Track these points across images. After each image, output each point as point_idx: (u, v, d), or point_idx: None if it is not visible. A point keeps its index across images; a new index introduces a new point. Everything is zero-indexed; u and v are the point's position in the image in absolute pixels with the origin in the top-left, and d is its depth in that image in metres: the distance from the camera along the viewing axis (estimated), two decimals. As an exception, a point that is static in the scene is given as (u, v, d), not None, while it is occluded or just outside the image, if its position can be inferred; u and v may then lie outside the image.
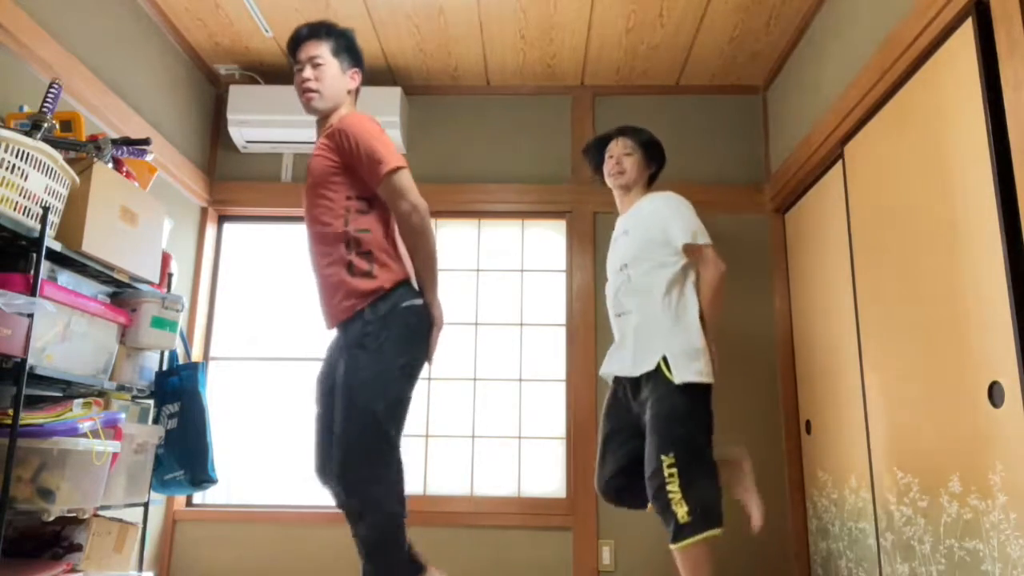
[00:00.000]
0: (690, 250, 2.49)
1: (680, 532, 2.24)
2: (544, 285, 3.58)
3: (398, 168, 2.01)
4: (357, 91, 2.25)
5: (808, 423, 3.12)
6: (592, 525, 3.22)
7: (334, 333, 2.15)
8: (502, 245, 3.63)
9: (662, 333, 2.41)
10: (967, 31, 1.97)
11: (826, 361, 2.91)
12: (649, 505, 2.37)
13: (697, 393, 2.36)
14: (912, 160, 2.25)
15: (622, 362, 2.51)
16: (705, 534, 2.23)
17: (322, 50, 2.14)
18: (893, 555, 2.32)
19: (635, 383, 2.47)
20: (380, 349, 1.96)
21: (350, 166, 2.05)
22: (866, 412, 2.53)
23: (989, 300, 1.85)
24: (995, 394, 1.83)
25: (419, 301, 2.05)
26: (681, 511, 2.24)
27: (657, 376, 2.38)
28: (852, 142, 2.66)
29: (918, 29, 2.15)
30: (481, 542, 3.24)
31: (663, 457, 2.29)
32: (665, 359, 2.37)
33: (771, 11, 3.06)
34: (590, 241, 3.49)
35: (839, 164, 2.79)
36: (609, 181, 2.71)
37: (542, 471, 3.38)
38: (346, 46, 2.19)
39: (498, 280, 3.59)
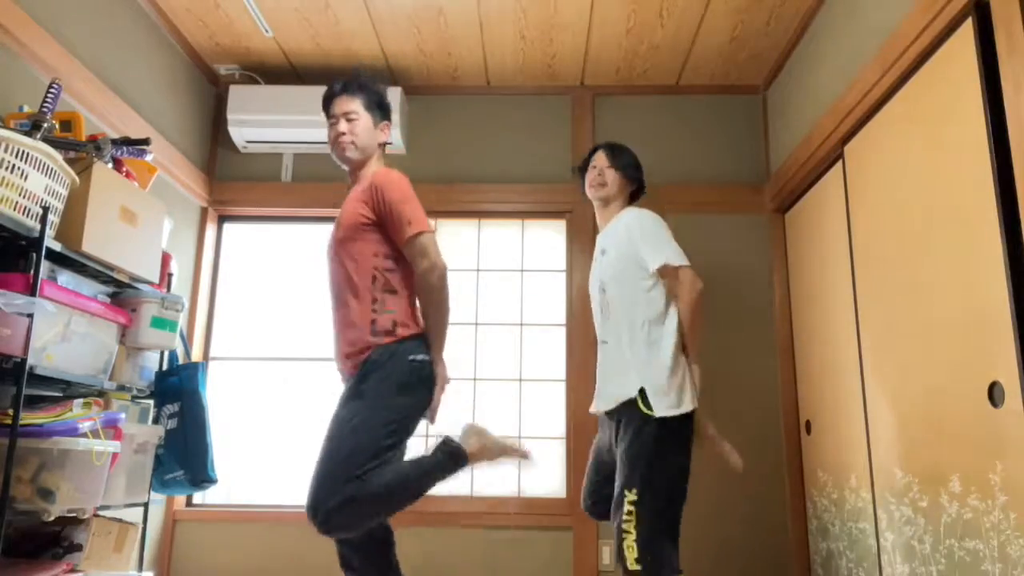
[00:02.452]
0: (665, 272, 2.41)
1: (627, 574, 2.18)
2: (544, 285, 3.58)
3: (424, 231, 2.09)
4: (386, 144, 2.31)
5: (808, 423, 3.12)
6: (592, 525, 3.22)
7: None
8: (502, 245, 3.63)
9: (639, 364, 2.34)
10: (967, 31, 1.97)
11: (826, 361, 2.91)
12: None
13: (674, 426, 2.28)
14: (912, 160, 2.25)
15: (603, 394, 2.46)
16: None
17: (356, 105, 2.22)
18: (893, 555, 2.32)
19: (615, 412, 2.40)
20: (375, 393, 1.99)
21: (380, 222, 2.11)
22: (866, 412, 2.53)
23: (989, 300, 1.85)
24: (995, 394, 1.83)
25: (425, 357, 2.07)
26: (631, 557, 2.16)
27: (633, 408, 2.31)
28: (852, 142, 2.66)
29: (918, 29, 2.15)
30: (481, 542, 3.24)
31: (626, 493, 2.22)
32: (643, 391, 2.30)
33: (771, 11, 3.07)
34: (590, 241, 3.49)
35: (839, 164, 2.79)
36: (589, 192, 2.64)
37: (542, 471, 3.38)
38: (377, 101, 2.26)
39: (498, 280, 3.60)
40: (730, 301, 3.42)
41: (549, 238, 3.63)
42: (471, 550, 3.24)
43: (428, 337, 2.11)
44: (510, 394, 3.47)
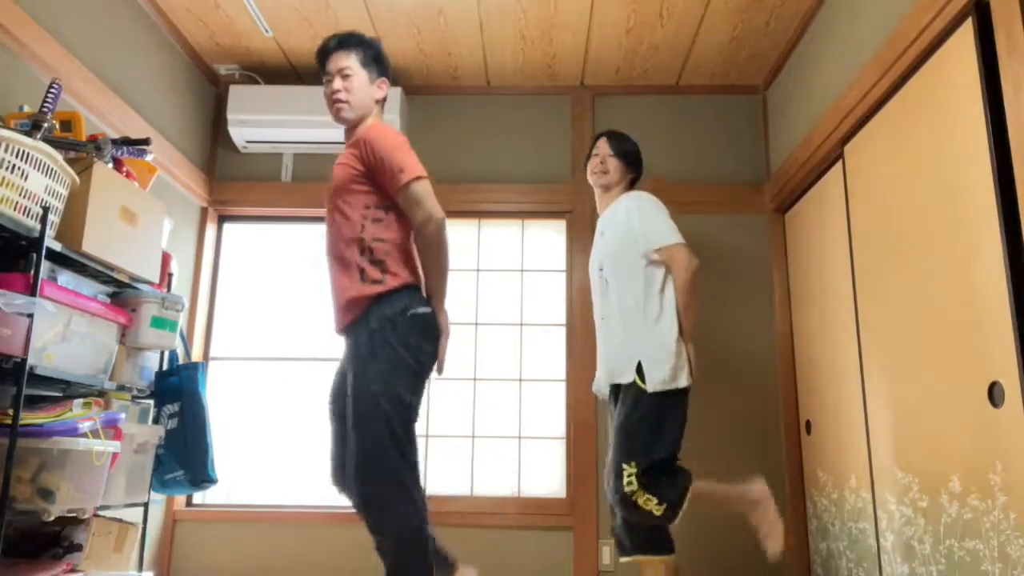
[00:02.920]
0: (662, 251, 2.51)
1: (664, 518, 2.32)
2: (544, 285, 3.58)
3: (418, 178, 2.04)
4: (384, 100, 2.27)
5: (808, 423, 3.12)
6: (592, 525, 3.22)
7: (343, 341, 2.16)
8: (502, 245, 3.63)
9: (638, 340, 2.44)
10: (967, 31, 1.97)
11: (826, 361, 2.91)
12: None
13: (671, 399, 2.38)
14: (912, 160, 2.25)
15: (603, 370, 2.57)
16: (681, 511, 2.32)
17: (351, 61, 2.17)
18: (893, 555, 2.32)
19: (615, 388, 2.51)
20: (387, 358, 1.98)
21: (372, 175, 2.08)
22: (866, 412, 2.53)
23: (989, 300, 1.85)
24: (995, 394, 1.83)
25: (427, 309, 2.06)
26: (653, 505, 2.31)
27: (632, 383, 2.41)
28: (852, 142, 2.66)
29: (918, 29, 2.15)
30: (481, 542, 3.24)
31: (625, 466, 2.33)
32: (640, 365, 2.40)
33: (771, 11, 3.07)
34: (590, 241, 3.48)
35: (839, 164, 2.79)
36: (591, 179, 2.77)
37: (542, 471, 3.38)
38: (374, 56, 2.22)
39: (498, 280, 3.59)
40: (730, 301, 3.42)
41: (549, 238, 3.63)
42: (471, 550, 3.24)
43: (429, 288, 2.09)
44: (510, 394, 3.47)
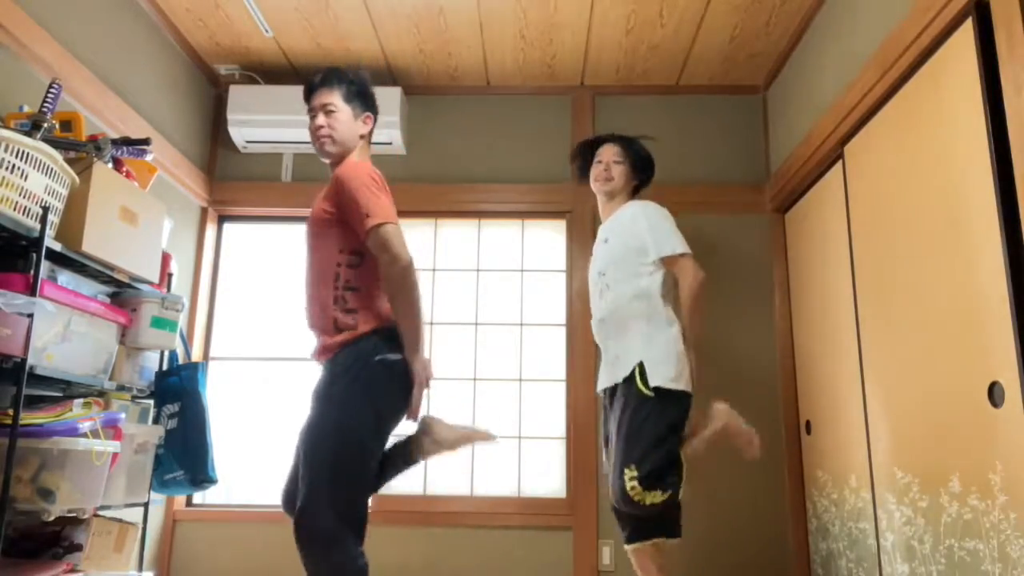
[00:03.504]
0: (668, 261, 2.50)
1: (664, 505, 2.32)
2: (544, 285, 3.58)
3: (384, 223, 1.98)
4: (370, 135, 2.25)
5: (808, 423, 3.12)
6: (592, 525, 3.22)
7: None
8: (502, 245, 3.63)
9: (639, 341, 2.43)
10: (967, 31, 1.97)
11: (826, 361, 2.91)
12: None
13: (670, 400, 2.36)
14: (912, 160, 2.25)
15: (605, 375, 2.57)
16: (680, 490, 2.34)
17: (334, 97, 2.16)
18: (893, 555, 2.32)
19: (613, 389, 2.50)
20: (344, 402, 1.93)
21: (343, 216, 2.04)
22: (866, 412, 2.53)
23: (989, 300, 1.86)
24: (995, 394, 1.83)
25: (395, 356, 1.99)
26: (656, 492, 2.31)
27: (631, 382, 2.39)
28: (852, 142, 2.66)
29: (918, 29, 2.15)
30: (481, 542, 3.24)
31: (626, 470, 2.32)
32: (640, 365, 2.39)
33: (771, 11, 3.06)
34: (590, 241, 3.47)
35: (839, 164, 2.79)
36: (595, 186, 2.72)
37: (542, 471, 3.38)
38: (358, 92, 2.20)
39: (498, 280, 3.59)
40: (730, 301, 3.42)
41: (549, 238, 3.63)
42: (471, 550, 3.24)
43: (402, 334, 2.03)
44: (510, 394, 3.47)
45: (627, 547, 2.50)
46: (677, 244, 2.50)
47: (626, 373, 2.42)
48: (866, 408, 2.53)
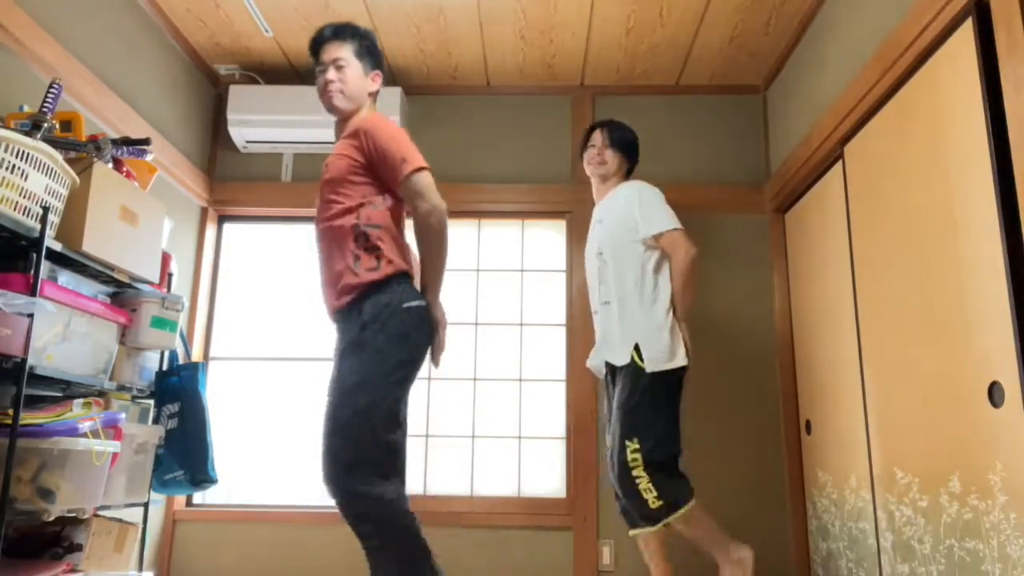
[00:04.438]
0: (661, 237, 2.59)
1: (653, 516, 2.38)
2: (544, 285, 3.58)
3: (421, 168, 2.02)
4: (377, 93, 2.25)
5: (808, 423, 3.12)
6: (592, 525, 3.22)
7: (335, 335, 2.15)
8: (502, 245, 3.63)
9: (635, 322, 2.52)
10: (967, 31, 1.97)
11: (826, 361, 2.91)
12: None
13: (668, 379, 2.47)
14: (912, 160, 2.25)
15: (601, 351, 2.65)
16: (681, 512, 2.37)
17: (345, 52, 2.15)
18: (893, 555, 2.32)
19: (614, 370, 2.58)
20: (377, 350, 1.95)
21: (372, 165, 2.05)
22: (866, 412, 2.53)
23: (989, 300, 1.85)
24: (995, 394, 1.83)
25: (420, 302, 2.02)
26: (651, 496, 2.37)
27: (631, 364, 2.49)
28: (852, 142, 2.66)
29: (918, 29, 2.14)
30: (481, 542, 3.24)
31: (627, 443, 2.41)
32: (637, 347, 2.48)
33: (771, 11, 3.06)
34: (590, 241, 3.49)
35: (839, 164, 2.79)
36: (588, 169, 2.85)
37: (542, 471, 3.38)
38: (368, 48, 2.20)
39: (498, 280, 3.59)
40: (730, 301, 3.42)
41: (549, 238, 3.63)
42: (471, 550, 3.24)
43: (424, 280, 2.05)
44: (510, 394, 3.47)
45: (631, 533, 2.57)
46: (667, 220, 2.59)
47: (625, 359, 2.51)
48: (866, 408, 2.53)
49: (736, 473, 3.24)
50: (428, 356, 2.09)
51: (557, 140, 3.65)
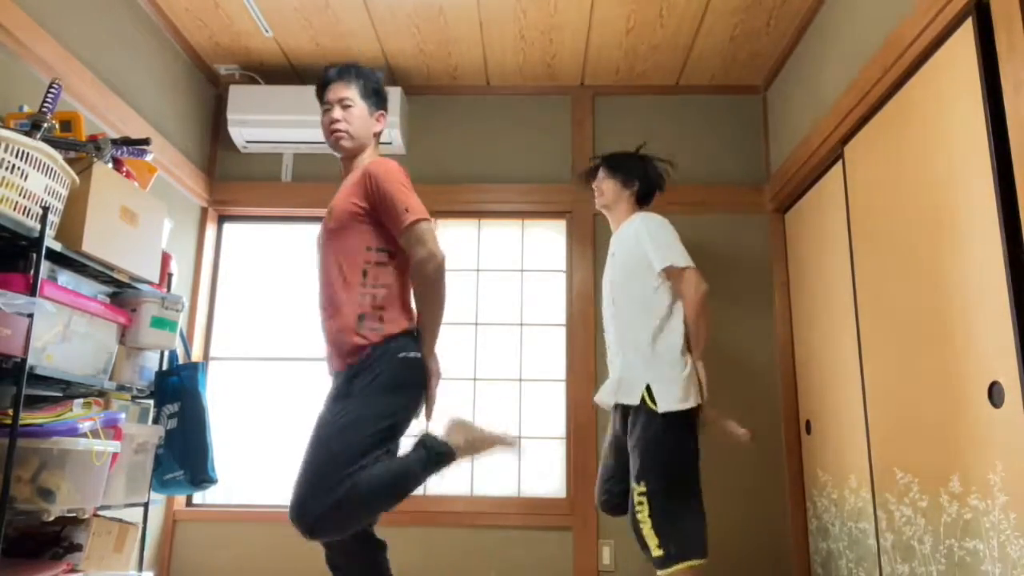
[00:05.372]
0: (670, 273, 2.50)
1: (657, 564, 2.28)
2: (544, 285, 3.58)
3: (422, 219, 2.01)
4: (380, 133, 2.25)
5: (808, 423, 3.12)
6: (592, 525, 3.22)
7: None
8: (502, 245, 3.63)
9: (645, 361, 2.43)
10: (967, 31, 1.97)
11: (826, 361, 2.91)
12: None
13: (680, 420, 2.37)
14: (912, 160, 2.25)
15: (610, 388, 2.55)
16: (682, 565, 2.24)
17: (351, 92, 2.15)
18: (893, 555, 2.32)
19: (624, 410, 2.49)
20: (364, 394, 1.93)
21: (375, 212, 2.04)
22: (866, 412, 2.53)
23: (989, 300, 1.86)
24: (995, 394, 1.83)
25: (415, 354, 2.00)
26: (652, 543, 2.28)
27: (641, 405, 2.39)
28: (852, 142, 2.66)
29: (918, 29, 2.15)
30: (481, 542, 3.24)
31: (635, 485, 2.34)
32: (648, 388, 2.39)
33: (771, 11, 3.06)
34: (590, 241, 3.49)
35: (839, 164, 2.79)
36: (596, 204, 2.82)
37: (542, 471, 3.38)
38: (374, 89, 2.20)
39: (498, 280, 3.59)
40: (730, 301, 3.42)
41: (549, 238, 3.63)
42: (471, 550, 3.24)
43: (421, 328, 2.04)
44: (510, 394, 3.47)
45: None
46: (679, 257, 2.50)
47: (635, 400, 2.41)
48: (866, 408, 2.53)
49: (736, 473, 3.24)
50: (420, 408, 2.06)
51: (557, 140, 3.65)
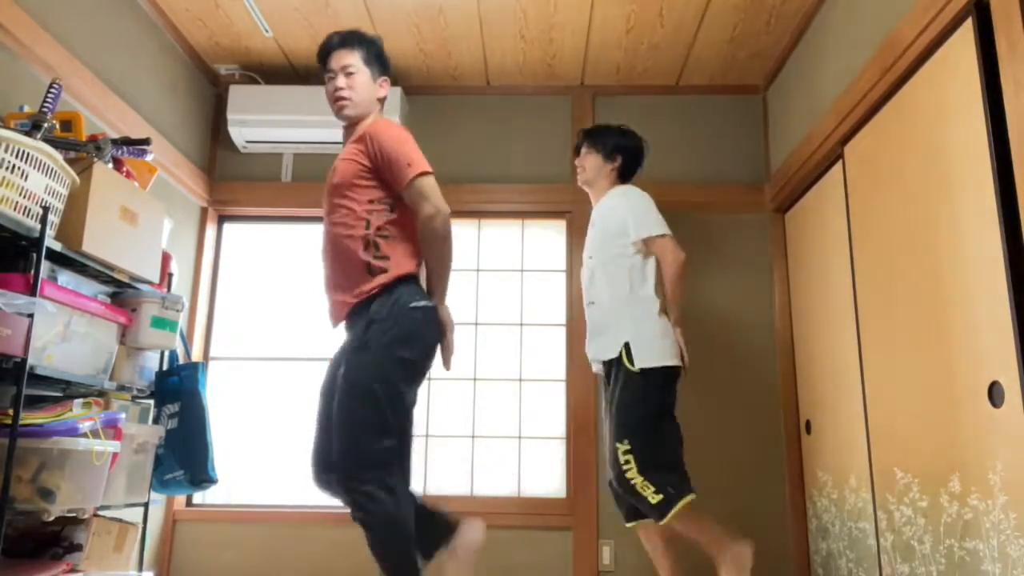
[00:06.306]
0: (649, 242, 2.61)
1: (658, 511, 2.36)
2: (544, 285, 3.58)
3: (425, 172, 2.05)
4: (384, 99, 2.27)
5: (808, 423, 3.12)
6: (592, 525, 3.22)
7: (339, 335, 2.15)
8: (502, 245, 3.63)
9: (624, 321, 2.54)
10: (967, 31, 1.97)
11: (826, 361, 2.91)
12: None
13: (657, 377, 2.47)
14: (912, 160, 2.25)
15: (592, 347, 2.67)
16: (681, 503, 2.35)
17: (354, 59, 2.17)
18: (893, 555, 2.32)
19: (608, 367, 2.59)
20: (383, 348, 1.96)
21: (378, 170, 2.08)
22: (866, 412, 2.53)
23: (989, 300, 1.85)
24: (995, 394, 1.83)
25: (427, 303, 2.05)
26: (649, 492, 2.37)
27: (620, 363, 2.50)
28: (852, 142, 2.66)
29: (918, 29, 2.15)
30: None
31: (618, 444, 2.43)
32: (627, 345, 2.49)
33: (771, 11, 3.06)
34: (590, 241, 3.49)
35: (839, 164, 2.79)
36: (578, 179, 2.89)
37: (542, 471, 3.38)
38: (376, 55, 2.22)
39: (498, 280, 3.59)
40: (730, 301, 3.42)
41: (549, 238, 3.63)
42: (471, 550, 3.24)
43: (430, 284, 2.09)
44: (510, 394, 3.47)
45: (627, 525, 2.60)
46: (655, 226, 2.61)
47: (614, 354, 2.52)
48: (866, 408, 2.53)
49: (736, 473, 3.24)
50: (438, 356, 2.10)
51: (557, 140, 3.65)
